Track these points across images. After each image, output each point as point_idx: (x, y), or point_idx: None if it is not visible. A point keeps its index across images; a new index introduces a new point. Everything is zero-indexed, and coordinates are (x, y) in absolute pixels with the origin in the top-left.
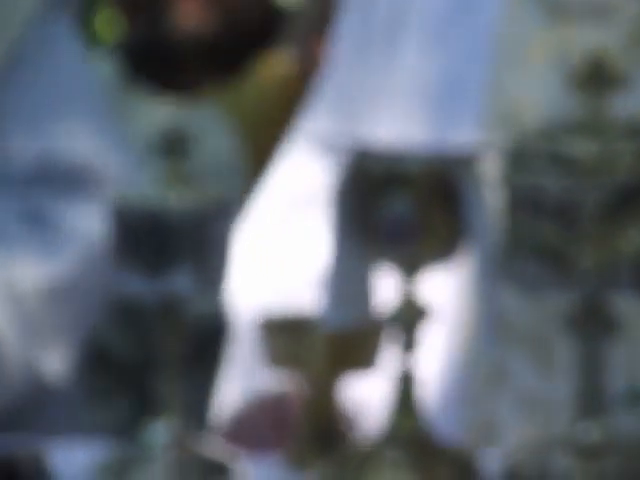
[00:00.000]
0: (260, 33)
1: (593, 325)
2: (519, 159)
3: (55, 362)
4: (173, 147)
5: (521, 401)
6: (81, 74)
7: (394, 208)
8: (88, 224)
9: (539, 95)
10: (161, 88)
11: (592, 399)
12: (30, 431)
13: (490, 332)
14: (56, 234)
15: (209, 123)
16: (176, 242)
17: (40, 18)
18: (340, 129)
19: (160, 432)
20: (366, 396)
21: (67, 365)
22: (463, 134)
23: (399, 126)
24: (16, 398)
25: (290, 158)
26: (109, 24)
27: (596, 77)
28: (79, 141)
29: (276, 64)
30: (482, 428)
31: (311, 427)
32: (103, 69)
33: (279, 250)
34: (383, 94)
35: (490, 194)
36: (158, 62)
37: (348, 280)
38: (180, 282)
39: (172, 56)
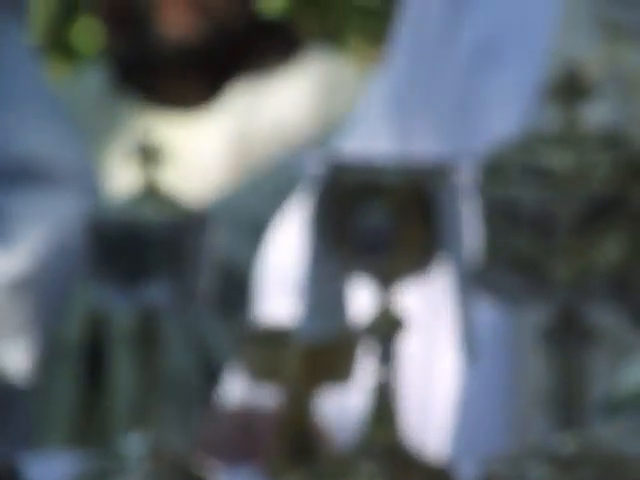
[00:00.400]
0: (246, 42)
1: (569, 336)
2: (495, 171)
3: (16, 359)
4: (149, 160)
5: (500, 413)
6: (30, 72)
7: (369, 219)
8: (48, 219)
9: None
10: (145, 98)
11: (568, 410)
12: None
13: (465, 344)
14: (13, 229)
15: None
16: (152, 254)
17: None
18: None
19: (136, 443)
20: (343, 408)
21: (29, 362)
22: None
23: (389, 141)
24: None
25: None
26: (88, 34)
27: (571, 88)
28: (35, 137)
29: None
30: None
31: (287, 439)
32: (86, 79)
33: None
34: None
35: (466, 205)
36: (143, 72)
37: (324, 292)
38: (155, 294)
39: (157, 66)
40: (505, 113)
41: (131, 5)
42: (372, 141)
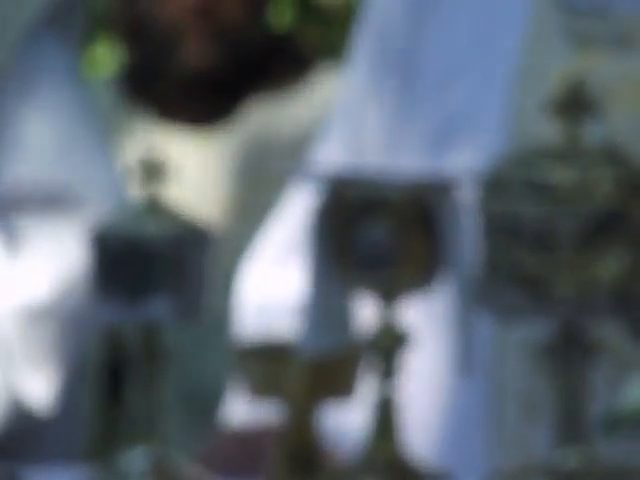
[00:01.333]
0: (258, 59)
1: (572, 351)
2: (497, 186)
3: (38, 388)
4: (152, 175)
5: (502, 426)
6: (72, 94)
7: (372, 235)
8: (66, 247)
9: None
10: (159, 115)
11: (571, 425)
12: (15, 460)
13: (466, 359)
14: (32, 257)
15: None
16: (154, 269)
17: (33, 34)
18: (342, 160)
19: (138, 458)
20: (345, 423)
21: (51, 391)
22: (457, 163)
23: (390, 155)
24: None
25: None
26: (108, 53)
27: (574, 104)
28: (62, 163)
29: None
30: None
31: (289, 455)
32: (102, 96)
33: (262, 277)
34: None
35: (468, 221)
36: (158, 90)
37: (327, 307)
38: (158, 309)
39: (173, 85)
40: (475, 128)
41: (157, 26)
42: (328, 156)
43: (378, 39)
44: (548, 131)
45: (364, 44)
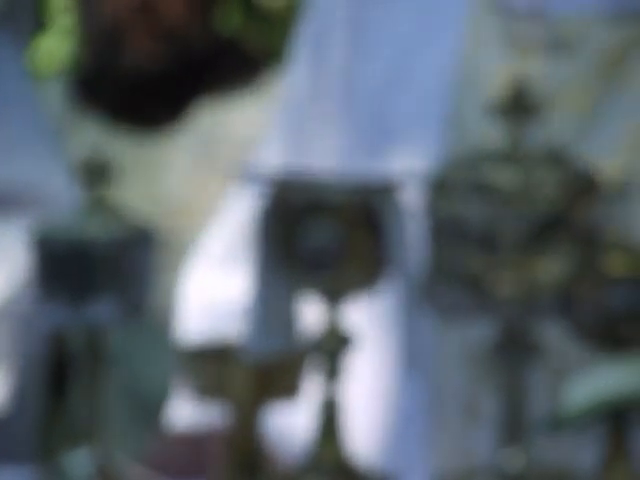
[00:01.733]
0: (207, 60)
1: (514, 352)
2: (442, 188)
3: None
4: (95, 176)
5: (444, 426)
6: (24, 96)
7: (316, 237)
8: (14, 249)
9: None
10: (110, 117)
11: (513, 426)
12: None
13: (410, 360)
14: None
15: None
16: (98, 271)
17: None
18: (283, 162)
19: (82, 461)
20: (290, 425)
21: (5, 392)
22: (394, 165)
23: (330, 157)
24: None
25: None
26: (58, 48)
27: (516, 106)
28: (10, 164)
29: None
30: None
31: (235, 457)
32: (50, 96)
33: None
34: (322, 125)
35: (412, 222)
36: (108, 91)
37: (271, 309)
38: (101, 311)
39: (122, 86)
40: (415, 132)
41: (102, 24)
42: (270, 159)
43: (318, 42)
44: (490, 134)
45: (304, 46)
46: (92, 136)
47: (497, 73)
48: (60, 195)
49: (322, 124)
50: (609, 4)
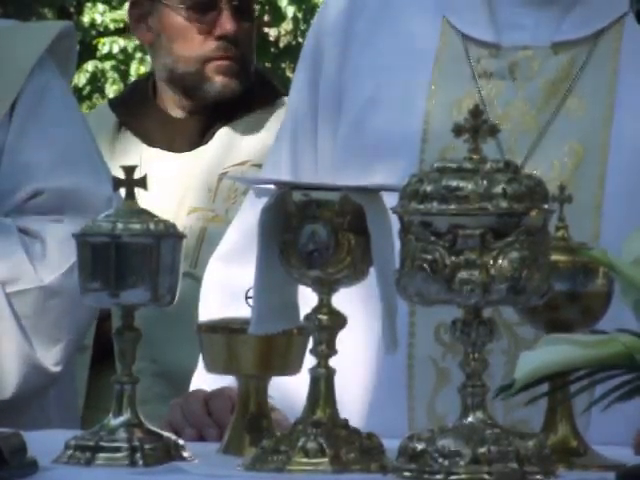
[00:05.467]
0: (249, 96)
1: (475, 330)
2: (414, 194)
3: (54, 356)
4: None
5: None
6: (70, 115)
7: (312, 238)
8: (70, 242)
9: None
10: (145, 138)
11: (475, 391)
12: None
13: (389, 336)
14: (48, 248)
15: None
16: (132, 262)
17: (37, 69)
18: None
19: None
20: (290, 392)
21: (64, 357)
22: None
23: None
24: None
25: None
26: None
27: (476, 127)
28: (74, 175)
29: None
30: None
31: (243, 420)
32: (103, 120)
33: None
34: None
35: (390, 222)
36: (144, 124)
37: (274, 294)
38: (135, 296)
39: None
40: (393, 153)
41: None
42: (272, 174)
43: (313, 69)
44: (455, 149)
45: (302, 73)
46: (131, 151)
47: (462, 97)
48: (103, 200)
49: (313, 148)
50: (550, 34)
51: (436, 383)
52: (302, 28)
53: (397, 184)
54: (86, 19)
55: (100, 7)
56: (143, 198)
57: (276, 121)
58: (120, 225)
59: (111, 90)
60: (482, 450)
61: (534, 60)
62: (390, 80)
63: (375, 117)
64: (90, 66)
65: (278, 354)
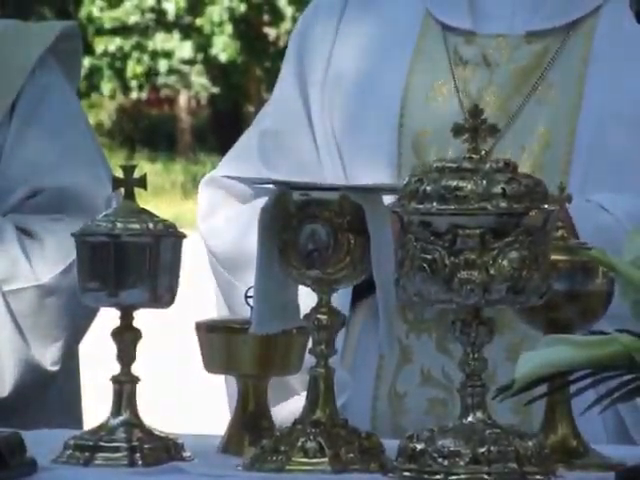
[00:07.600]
0: None
1: (475, 329)
2: (413, 195)
3: (52, 355)
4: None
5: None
6: (75, 118)
7: (312, 239)
8: (68, 241)
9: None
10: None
11: (474, 389)
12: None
13: (387, 335)
14: (47, 246)
15: None
16: (132, 260)
17: (37, 69)
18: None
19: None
20: (290, 391)
21: (60, 353)
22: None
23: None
24: (16, 389)
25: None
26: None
27: (475, 126)
28: (74, 175)
29: None
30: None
31: (244, 419)
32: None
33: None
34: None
35: (389, 222)
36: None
37: (274, 294)
38: (136, 295)
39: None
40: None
41: None
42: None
43: (301, 64)
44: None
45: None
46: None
47: (439, 85)
48: (103, 200)
49: (304, 149)
50: (525, 23)
51: (399, 361)
52: None
53: (397, 184)
54: (82, 13)
55: (99, 2)
56: None
57: None
58: (119, 225)
59: (106, 88)
60: (482, 450)
61: (506, 48)
62: (371, 64)
63: (354, 99)
64: (86, 62)
65: (278, 354)
